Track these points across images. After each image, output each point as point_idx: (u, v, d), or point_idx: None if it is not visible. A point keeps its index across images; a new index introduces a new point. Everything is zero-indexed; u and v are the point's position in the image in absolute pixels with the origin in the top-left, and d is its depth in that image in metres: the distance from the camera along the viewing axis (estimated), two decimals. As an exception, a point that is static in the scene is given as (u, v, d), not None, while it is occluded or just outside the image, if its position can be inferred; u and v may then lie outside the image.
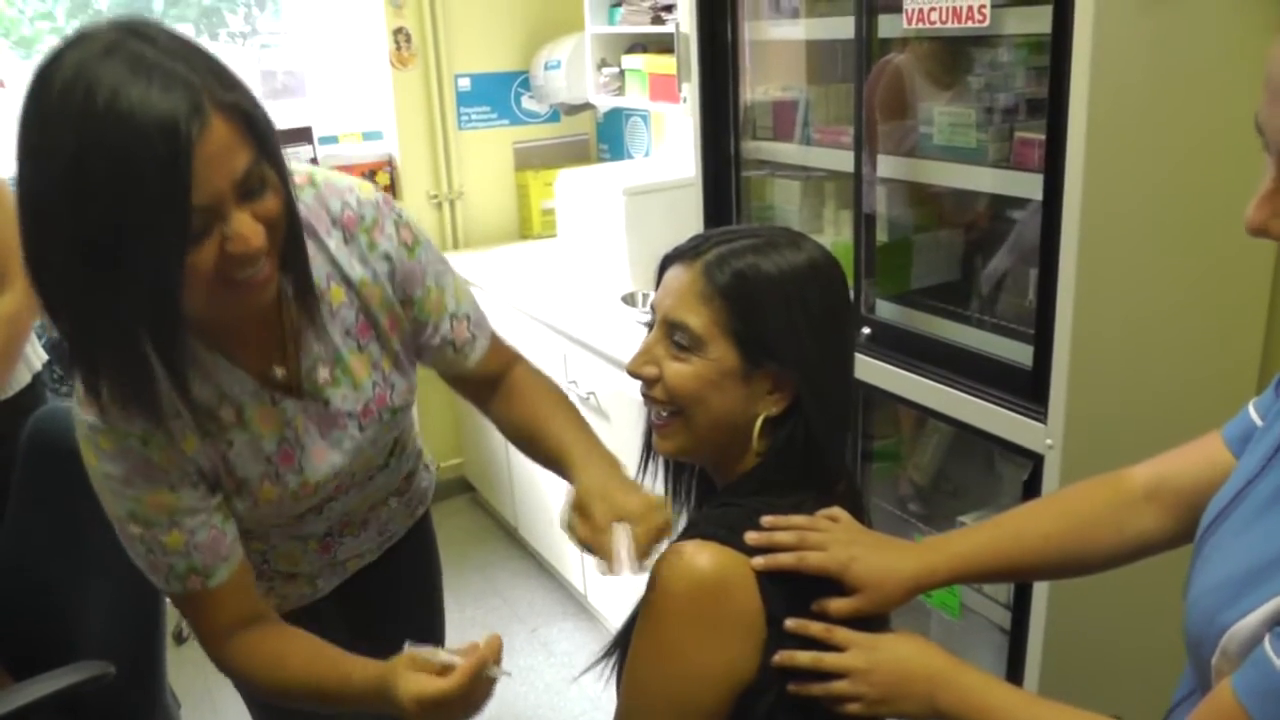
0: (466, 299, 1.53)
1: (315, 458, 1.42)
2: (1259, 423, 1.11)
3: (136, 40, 1.04)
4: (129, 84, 1.00)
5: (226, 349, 1.31)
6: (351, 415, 1.44)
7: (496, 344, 1.58)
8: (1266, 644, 0.85)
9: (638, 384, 1.27)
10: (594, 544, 1.22)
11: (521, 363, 1.61)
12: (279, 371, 1.35)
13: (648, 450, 1.35)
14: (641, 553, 1.18)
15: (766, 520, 1.16)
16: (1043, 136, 1.62)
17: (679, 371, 1.20)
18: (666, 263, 1.26)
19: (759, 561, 1.13)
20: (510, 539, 4.00)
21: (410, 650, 1.22)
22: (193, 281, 1.08)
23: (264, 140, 1.13)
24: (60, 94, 1.02)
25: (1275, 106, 0.84)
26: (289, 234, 1.20)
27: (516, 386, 1.57)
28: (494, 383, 1.57)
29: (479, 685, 1.19)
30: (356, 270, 1.37)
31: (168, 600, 1.85)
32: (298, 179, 1.29)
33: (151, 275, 1.06)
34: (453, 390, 1.61)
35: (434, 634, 1.96)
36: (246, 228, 1.10)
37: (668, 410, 1.23)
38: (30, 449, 1.88)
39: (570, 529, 1.27)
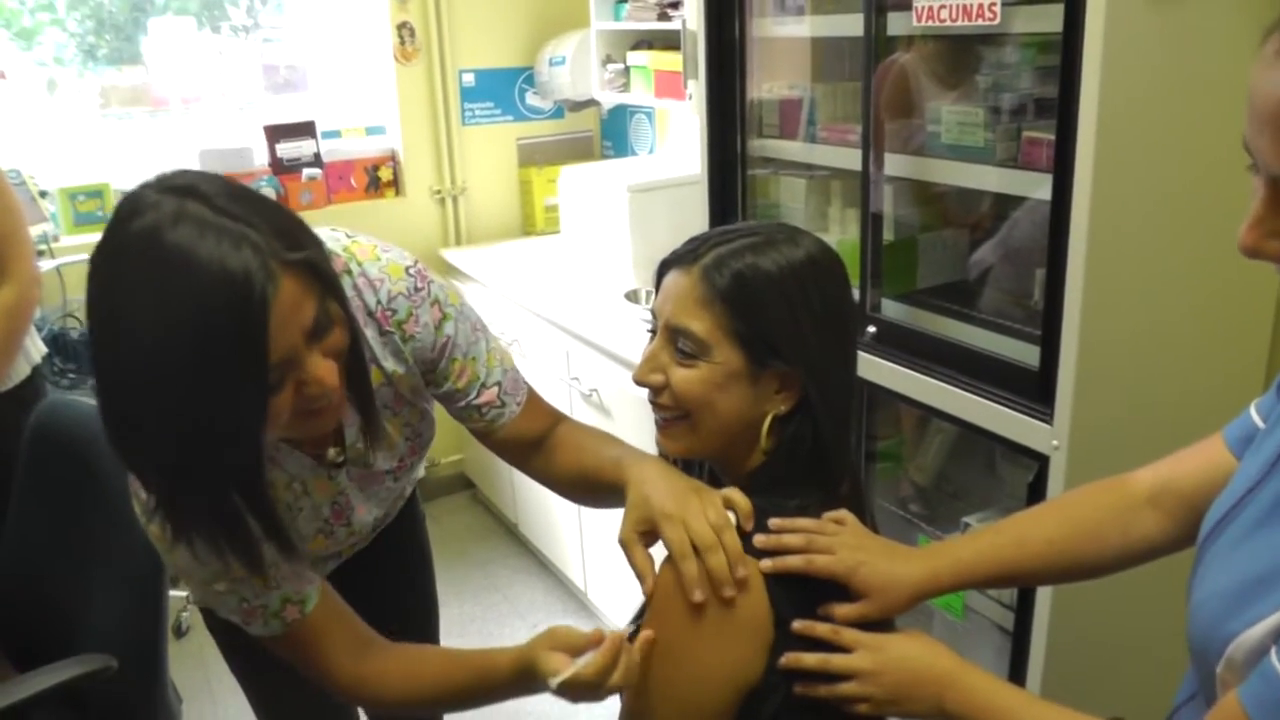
0: (499, 367, 1.51)
1: (360, 512, 1.56)
2: (1260, 425, 1.11)
3: (196, 203, 1.05)
4: (198, 250, 1.02)
5: (286, 439, 1.37)
6: (389, 472, 1.56)
7: (534, 408, 1.55)
8: (1273, 657, 0.84)
9: (632, 373, 1.26)
10: (647, 576, 1.17)
11: (566, 422, 1.58)
12: (333, 452, 1.43)
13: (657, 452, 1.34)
14: (715, 586, 1.11)
15: (774, 523, 1.16)
16: (1051, 136, 1.62)
17: (686, 378, 1.20)
18: (664, 267, 1.25)
19: (767, 564, 1.12)
20: (510, 535, 4.00)
21: (551, 627, 1.23)
22: (271, 422, 1.11)
23: (328, 283, 1.15)
24: (133, 267, 1.04)
25: (1259, 129, 0.83)
26: (353, 357, 1.23)
27: (560, 440, 1.54)
28: (534, 445, 1.55)
29: (620, 663, 1.15)
30: (390, 363, 1.41)
31: (170, 594, 1.85)
32: (335, 263, 1.29)
33: (235, 436, 1.08)
34: (491, 452, 1.59)
35: (427, 612, 2.00)
36: (321, 370, 1.14)
37: (674, 414, 1.23)
38: (33, 442, 1.87)
39: (630, 550, 1.20)
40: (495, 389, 1.50)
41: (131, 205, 1.06)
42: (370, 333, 1.37)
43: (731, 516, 1.15)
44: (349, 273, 1.35)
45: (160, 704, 1.80)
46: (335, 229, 1.41)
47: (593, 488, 1.44)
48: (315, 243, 1.15)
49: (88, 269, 1.07)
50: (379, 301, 1.38)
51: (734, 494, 1.17)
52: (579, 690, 1.15)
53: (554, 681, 1.15)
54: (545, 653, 1.19)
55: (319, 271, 1.13)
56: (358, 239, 1.41)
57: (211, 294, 1.01)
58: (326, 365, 1.14)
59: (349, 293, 1.32)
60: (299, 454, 1.40)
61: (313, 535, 1.49)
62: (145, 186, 1.08)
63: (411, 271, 1.41)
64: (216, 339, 1.02)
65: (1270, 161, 0.82)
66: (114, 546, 1.69)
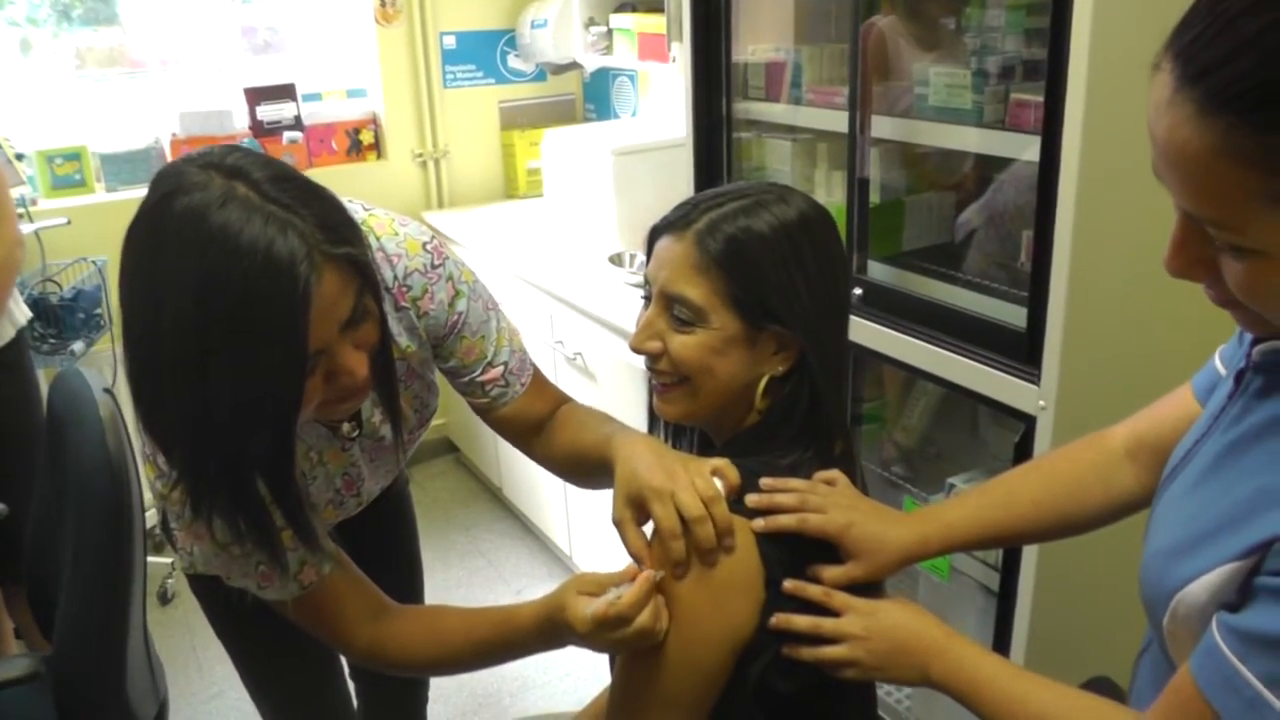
0: (508, 346, 1.51)
1: (370, 483, 1.58)
2: (1222, 372, 1.12)
3: (244, 185, 1.05)
4: (244, 233, 1.01)
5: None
6: (399, 445, 1.56)
7: (538, 390, 1.55)
8: (1215, 632, 0.86)
9: (625, 344, 1.26)
10: (643, 558, 1.15)
11: (570, 404, 1.58)
12: (347, 426, 1.44)
13: (653, 416, 1.34)
14: (702, 558, 1.11)
15: (766, 482, 1.16)
16: (1039, 98, 1.61)
17: (684, 344, 1.20)
18: (655, 234, 1.25)
19: (760, 523, 1.12)
20: (494, 500, 4.01)
21: (579, 574, 1.20)
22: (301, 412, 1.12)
23: (368, 277, 1.15)
24: (176, 245, 1.03)
25: (1165, 166, 0.83)
26: (381, 349, 1.23)
27: (559, 419, 1.54)
28: (536, 427, 1.55)
29: (650, 606, 1.12)
30: (404, 339, 1.43)
31: (153, 560, 1.84)
32: None
33: (269, 422, 1.08)
34: (496, 433, 1.59)
35: (412, 576, 2.01)
36: (352, 361, 1.14)
37: (673, 379, 1.23)
38: (50, 414, 1.85)
39: (624, 531, 1.18)
40: (501, 368, 1.50)
41: (175, 182, 1.05)
42: (386, 308, 1.36)
43: (719, 485, 1.13)
44: (366, 247, 1.34)
45: (118, 704, 1.74)
46: (351, 200, 1.39)
47: (586, 466, 1.43)
48: (358, 237, 1.15)
49: (124, 242, 1.06)
50: (395, 277, 1.38)
51: (723, 464, 1.15)
52: (609, 629, 1.12)
53: (588, 610, 1.12)
54: (575, 596, 1.16)
55: (360, 267, 1.13)
56: (374, 212, 1.42)
57: (257, 278, 1.01)
58: (358, 357, 1.15)
59: None
60: (315, 424, 1.40)
61: (324, 505, 1.49)
62: (189, 163, 1.08)
63: (429, 248, 1.42)
64: (258, 324, 1.01)
65: (1178, 197, 0.83)
66: (77, 534, 1.62)
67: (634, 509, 1.17)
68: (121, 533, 1.59)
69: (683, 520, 1.11)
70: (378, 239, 1.38)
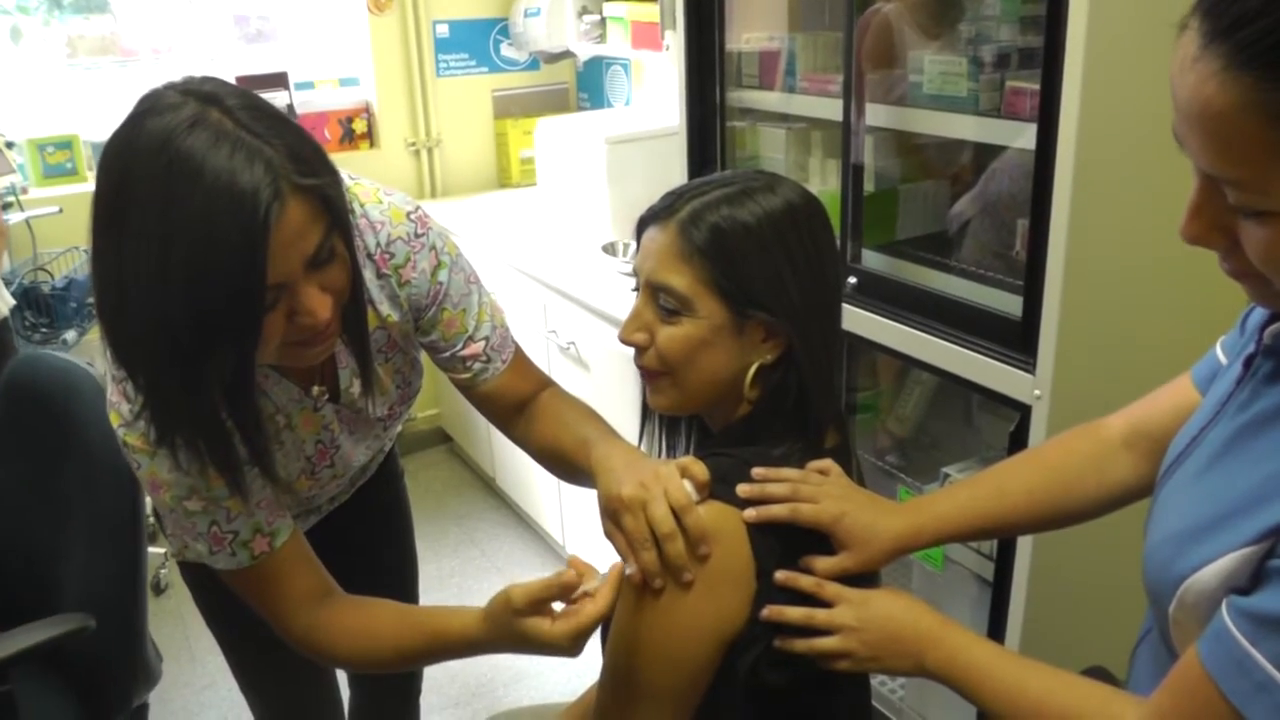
0: (489, 322, 1.51)
1: (347, 455, 1.54)
2: (1224, 361, 1.12)
3: (218, 111, 1.05)
4: (209, 160, 1.02)
5: (277, 365, 1.36)
6: (380, 420, 1.56)
7: (520, 368, 1.54)
8: (1225, 616, 0.85)
9: (617, 333, 1.25)
10: (627, 558, 1.14)
11: (552, 387, 1.57)
12: (316, 390, 1.42)
13: (645, 407, 1.33)
14: (674, 573, 1.10)
15: (758, 472, 1.15)
16: (1035, 86, 1.60)
17: (670, 335, 1.19)
18: (642, 224, 1.25)
19: (751, 514, 1.12)
20: (488, 490, 4.00)
21: (505, 596, 1.15)
22: (261, 343, 1.11)
23: (337, 215, 1.14)
24: (142, 166, 1.03)
25: (1186, 127, 0.82)
26: (352, 299, 1.23)
27: (541, 406, 1.53)
28: (517, 407, 1.54)
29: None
30: (385, 307, 1.42)
31: (149, 550, 1.83)
32: None
33: (226, 350, 1.07)
34: (477, 410, 1.58)
35: (407, 568, 1.99)
36: (315, 302, 1.13)
37: (658, 370, 1.22)
38: (7, 398, 1.85)
39: (613, 542, 1.17)
40: (482, 343, 1.49)
41: (151, 102, 1.07)
42: (368, 275, 1.37)
43: (690, 489, 1.12)
44: (350, 213, 1.33)
45: (140, 661, 1.79)
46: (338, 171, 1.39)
47: (564, 465, 1.43)
48: (331, 174, 1.14)
49: (99, 157, 1.08)
50: (378, 244, 1.38)
51: (689, 463, 1.14)
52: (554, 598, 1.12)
53: (569, 643, 1.10)
54: (533, 622, 1.12)
55: (329, 202, 1.12)
56: (360, 181, 1.42)
57: (216, 206, 1.01)
58: (321, 298, 1.14)
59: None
60: (287, 383, 1.39)
61: (296, 475, 1.47)
62: (170, 86, 1.09)
63: (413, 217, 1.42)
64: (217, 252, 1.01)
65: (1200, 158, 0.82)
66: (90, 501, 1.67)
67: (613, 522, 1.16)
68: (134, 490, 1.61)
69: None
70: (362, 205, 1.37)
